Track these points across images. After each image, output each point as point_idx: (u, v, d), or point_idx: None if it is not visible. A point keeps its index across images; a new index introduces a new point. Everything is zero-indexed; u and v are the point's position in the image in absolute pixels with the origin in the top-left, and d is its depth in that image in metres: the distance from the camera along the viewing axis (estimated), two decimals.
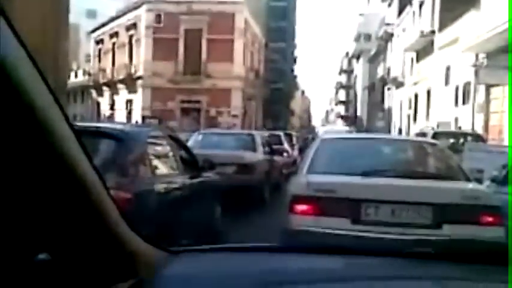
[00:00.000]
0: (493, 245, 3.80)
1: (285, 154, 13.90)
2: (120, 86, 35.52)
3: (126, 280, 0.99)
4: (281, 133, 17.55)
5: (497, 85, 16.55)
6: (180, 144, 5.84)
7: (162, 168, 4.93)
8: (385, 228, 3.99)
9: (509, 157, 4.75)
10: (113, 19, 38.74)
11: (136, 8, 34.20)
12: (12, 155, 0.70)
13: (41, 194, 0.77)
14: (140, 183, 4.19)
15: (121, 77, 34.72)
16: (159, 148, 5.07)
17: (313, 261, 1.31)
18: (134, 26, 34.42)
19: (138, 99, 33.01)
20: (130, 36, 35.07)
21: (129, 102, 34.66)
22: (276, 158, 11.99)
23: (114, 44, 37.66)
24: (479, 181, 8.20)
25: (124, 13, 36.43)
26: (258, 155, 10.39)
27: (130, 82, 33.73)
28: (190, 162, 5.70)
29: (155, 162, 4.76)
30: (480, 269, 1.27)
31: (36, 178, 0.75)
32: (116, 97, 36.62)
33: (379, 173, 4.51)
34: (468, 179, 4.74)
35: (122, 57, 35.80)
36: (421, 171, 5.11)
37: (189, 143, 9.13)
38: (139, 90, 32.96)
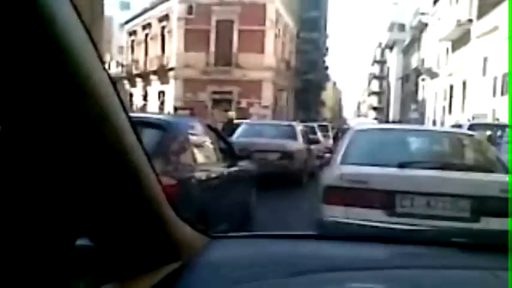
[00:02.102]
0: None
1: (319, 144, 14.59)
2: (152, 77, 35.92)
3: (168, 264, 1.00)
4: (315, 124, 18.39)
5: None
6: (218, 135, 6.11)
7: (202, 157, 5.13)
8: (421, 220, 3.93)
9: (509, 153, 4.56)
10: (145, 11, 39.14)
11: None
12: (66, 139, 0.70)
13: (87, 177, 0.77)
14: (184, 171, 4.36)
15: (153, 68, 35.10)
16: (199, 138, 5.26)
17: (352, 250, 1.30)
18: (166, 17, 34.68)
19: (170, 90, 33.32)
20: (163, 28, 35.36)
21: (161, 93, 35.03)
22: (312, 146, 12.74)
23: (146, 35, 38.06)
24: None
25: (156, 4, 36.74)
26: (298, 144, 11.35)
27: (162, 73, 34.06)
28: (227, 152, 5.96)
29: (196, 151, 4.94)
30: None
31: (84, 163, 0.74)
32: (148, 88, 37.06)
33: (414, 164, 4.42)
34: (507, 171, 4.59)
35: (154, 49, 36.17)
36: (458, 163, 4.98)
37: (237, 133, 10.82)
38: (172, 81, 33.25)
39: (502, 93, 19.56)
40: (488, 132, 13.81)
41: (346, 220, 3.95)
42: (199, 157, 5.01)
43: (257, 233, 1.44)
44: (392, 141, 5.22)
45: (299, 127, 12.68)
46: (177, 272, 1.01)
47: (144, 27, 38.50)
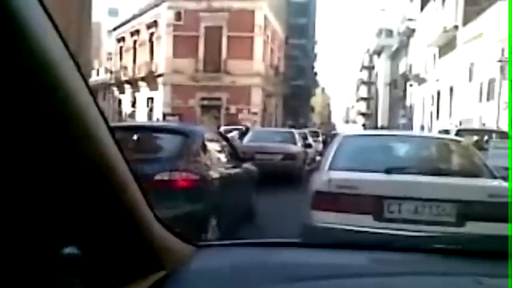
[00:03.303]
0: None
1: (311, 148, 16.62)
2: (141, 83, 35.84)
3: (153, 273, 1.00)
4: (306, 130, 21.37)
5: None
6: (226, 140, 7.13)
7: (215, 158, 6.12)
8: (408, 225, 3.96)
9: (509, 156, 4.61)
10: (134, 17, 39.08)
11: (157, 5, 34.44)
12: (46, 147, 0.70)
13: (69, 186, 0.77)
14: (202, 168, 5.29)
15: (142, 74, 35.03)
16: (212, 143, 6.25)
17: (335, 257, 1.31)
18: (155, 23, 34.67)
19: (159, 96, 33.26)
20: (151, 34, 35.33)
21: (150, 99, 34.95)
22: (308, 150, 14.94)
23: (135, 41, 38.00)
24: (505, 179, 8.05)
25: (145, 11, 36.72)
26: (298, 147, 13.56)
27: (151, 79, 34.00)
28: (233, 155, 6.97)
29: (211, 153, 5.94)
30: (506, 265, 1.23)
31: (66, 171, 0.74)
32: (137, 94, 36.96)
33: (401, 170, 4.46)
34: (494, 176, 4.66)
35: (142, 55, 36.11)
36: (445, 168, 5.02)
37: (246, 138, 13.41)
38: (160, 87, 33.20)
39: (488, 99, 19.78)
40: (475, 138, 13.95)
41: (334, 225, 3.96)
42: (213, 158, 5.98)
43: (241, 241, 1.43)
44: (379, 147, 5.29)
45: (297, 133, 14.88)
46: (161, 282, 1.01)
47: (132, 34, 38.43)
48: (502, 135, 14.04)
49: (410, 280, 1.12)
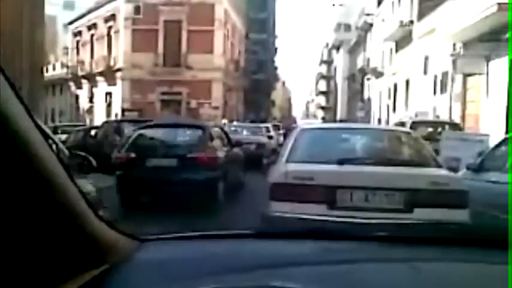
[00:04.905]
0: (461, 227, 3.93)
1: (273, 139, 20.16)
2: (99, 78, 35.14)
3: (94, 268, 1.01)
4: (269, 124, 24.72)
5: (474, 74, 16.79)
6: (223, 132, 10.94)
7: (220, 144, 9.65)
8: (359, 212, 4.18)
9: (509, 153, 4.85)
10: (90, 11, 38.23)
11: None
12: None
13: (6, 189, 0.78)
14: (215, 150, 8.89)
15: (100, 69, 34.34)
16: (218, 133, 10.02)
17: (287, 247, 1.32)
18: (113, 17, 34.01)
19: (118, 91, 32.70)
20: (109, 28, 34.66)
21: (108, 94, 34.33)
22: (270, 141, 18.79)
23: (92, 36, 37.18)
24: (456, 169, 8.37)
25: (102, 4, 35.95)
26: (265, 138, 18.22)
27: (109, 74, 33.38)
28: (229, 142, 10.53)
29: (218, 140, 9.58)
30: (450, 251, 1.30)
31: (2, 175, 0.76)
32: (95, 90, 36.22)
33: (353, 161, 4.77)
34: (439, 166, 4.95)
35: (100, 49, 35.39)
36: (394, 159, 5.30)
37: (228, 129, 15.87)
38: (119, 82, 32.65)
39: (442, 92, 20.42)
40: (430, 129, 14.40)
41: (291, 215, 4.14)
42: (218, 143, 9.45)
43: (189, 234, 1.39)
44: (334, 140, 5.57)
45: (264, 127, 20.47)
46: (103, 276, 1.02)
47: (89, 28, 37.58)
48: (455, 126, 14.56)
49: (358, 268, 1.15)
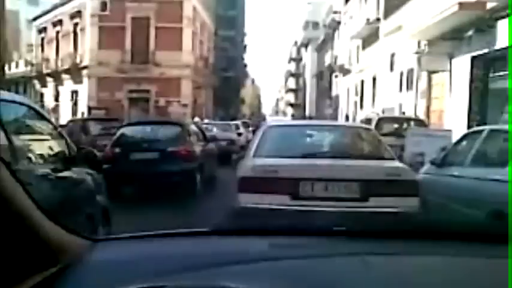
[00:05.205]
0: (415, 221, 4.10)
1: (242, 136, 20.82)
2: (64, 76, 34.44)
3: (46, 270, 1.01)
4: (239, 122, 25.02)
5: (438, 71, 17.18)
6: (200, 128, 12.25)
7: (196, 139, 10.50)
8: (320, 202, 4.58)
9: (509, 154, 5.06)
10: (55, 7, 37.36)
11: None
12: None
13: None
14: (192, 145, 9.77)
15: (65, 67, 33.65)
16: (194, 129, 11.18)
17: (241, 244, 1.33)
18: (79, 14, 33.37)
19: (84, 89, 32.13)
20: (75, 25, 33.98)
21: (74, 93, 33.68)
22: (240, 138, 19.77)
23: (57, 32, 36.38)
24: (421, 164, 8.57)
25: (68, 1, 35.21)
26: (235, 135, 19.49)
27: (75, 72, 32.76)
28: (204, 137, 11.63)
29: (194, 136, 10.52)
30: (402, 244, 1.33)
31: None
32: (60, 88, 35.48)
33: (315, 155, 5.25)
34: (393, 159, 5.41)
35: (66, 47, 34.66)
36: (352, 153, 5.76)
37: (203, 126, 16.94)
38: (85, 80, 32.08)
39: (407, 88, 20.82)
40: (396, 126, 14.67)
41: (258, 206, 4.49)
42: (195, 139, 10.38)
43: (144, 233, 1.40)
44: (298, 135, 6.04)
45: (233, 125, 21.54)
46: (54, 277, 1.02)
47: (54, 24, 36.75)
48: (420, 123, 14.87)
49: (302, 263, 1.17)
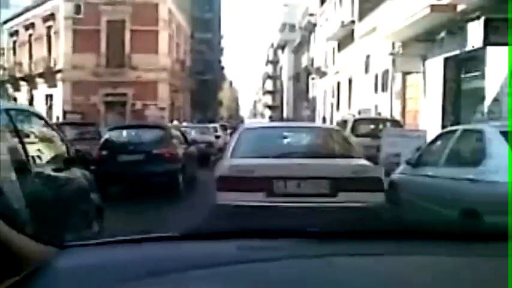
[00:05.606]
0: (389, 221, 4.22)
1: (220, 138, 21.31)
2: (38, 80, 33.87)
3: (10, 277, 1.00)
4: (217, 125, 25.43)
5: (412, 73, 17.44)
6: (181, 132, 12.79)
7: (178, 142, 11.10)
8: (293, 198, 4.95)
9: (509, 153, 5.15)
10: (27, 9, 36.73)
11: None
12: None
13: None
14: (174, 147, 10.32)
15: (39, 70, 33.10)
16: (176, 132, 11.74)
17: (210, 248, 1.32)
18: (52, 16, 32.87)
19: (59, 93, 31.65)
20: (48, 28, 33.46)
21: (49, 97, 33.15)
22: (217, 140, 20.36)
23: (30, 36, 35.77)
24: (397, 164, 8.67)
25: (40, 3, 34.66)
26: (213, 138, 19.84)
27: (49, 76, 32.25)
28: (185, 140, 12.15)
29: (176, 138, 11.13)
30: (366, 245, 1.33)
31: None
32: (34, 92, 34.87)
33: (288, 155, 5.62)
34: (360, 157, 5.81)
35: (39, 50, 34.10)
36: (322, 152, 6.17)
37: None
38: (60, 84, 31.61)
39: (383, 89, 21.07)
40: (372, 126, 14.83)
41: (235, 203, 4.77)
42: (177, 141, 10.99)
43: (109, 239, 1.39)
44: (272, 137, 6.39)
45: (211, 127, 21.93)
46: (19, 285, 1.01)
47: (27, 28, 36.12)
48: (395, 123, 15.07)
49: (270, 266, 1.17)
